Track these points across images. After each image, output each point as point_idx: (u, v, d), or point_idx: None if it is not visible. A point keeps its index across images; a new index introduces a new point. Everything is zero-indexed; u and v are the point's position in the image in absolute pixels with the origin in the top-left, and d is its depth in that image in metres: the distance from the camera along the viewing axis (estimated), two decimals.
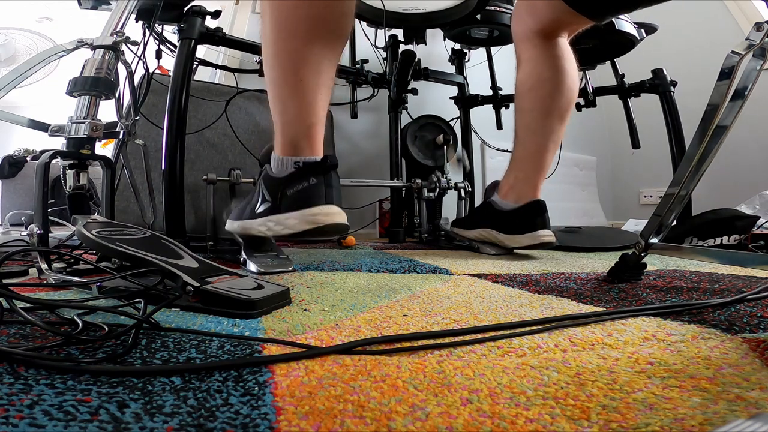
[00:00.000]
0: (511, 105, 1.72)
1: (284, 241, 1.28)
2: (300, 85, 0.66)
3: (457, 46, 1.91)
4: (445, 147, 1.59)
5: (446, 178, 1.56)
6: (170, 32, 1.21)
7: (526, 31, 0.95)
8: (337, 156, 1.82)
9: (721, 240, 1.12)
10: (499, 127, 1.91)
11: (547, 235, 0.95)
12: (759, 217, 1.14)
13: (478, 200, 1.80)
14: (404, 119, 1.75)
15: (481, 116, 1.97)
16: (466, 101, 1.93)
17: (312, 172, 0.65)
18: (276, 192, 0.67)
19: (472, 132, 1.95)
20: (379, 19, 1.45)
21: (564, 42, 0.95)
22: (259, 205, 0.69)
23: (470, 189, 1.63)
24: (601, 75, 1.79)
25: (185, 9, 1.15)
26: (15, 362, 0.28)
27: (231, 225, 0.75)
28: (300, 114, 0.67)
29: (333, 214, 0.64)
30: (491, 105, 1.92)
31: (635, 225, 1.78)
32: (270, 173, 0.69)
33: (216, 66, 1.44)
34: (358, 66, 1.64)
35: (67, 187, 0.74)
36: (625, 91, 1.68)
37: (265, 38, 0.68)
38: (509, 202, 1.01)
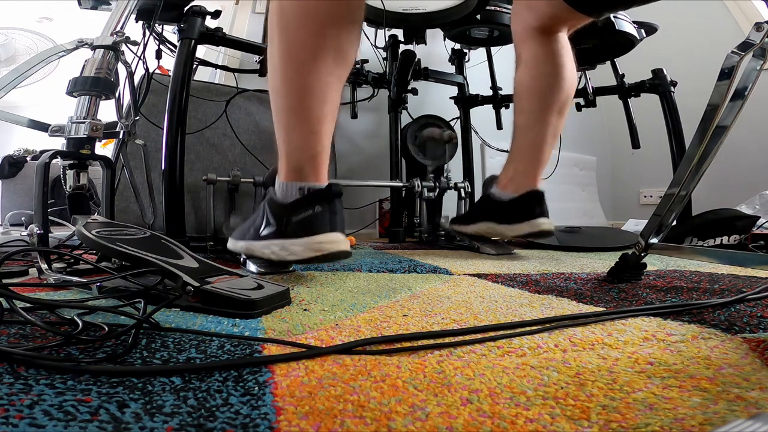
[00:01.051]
0: (512, 105, 1.73)
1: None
2: (306, 115, 0.67)
3: (457, 46, 1.91)
4: (446, 145, 1.58)
5: (446, 177, 1.56)
6: (170, 32, 1.21)
7: (525, 28, 0.96)
8: (337, 156, 1.82)
9: (721, 240, 1.12)
10: (499, 127, 1.91)
11: (545, 222, 0.95)
12: (759, 217, 1.14)
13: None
14: (404, 119, 1.75)
15: (481, 116, 1.97)
16: (466, 101, 1.93)
17: (317, 200, 0.65)
18: (281, 217, 0.67)
19: (472, 132, 1.95)
20: (379, 19, 1.45)
21: (563, 37, 0.95)
22: (264, 228, 0.69)
23: (470, 189, 1.63)
24: (601, 75, 1.79)
25: (185, 9, 1.14)
26: (15, 362, 0.28)
27: (234, 245, 0.75)
28: (305, 142, 0.68)
29: (337, 242, 0.65)
30: (491, 105, 1.91)
31: (635, 225, 1.78)
32: (274, 197, 0.70)
33: (216, 66, 1.43)
34: (358, 66, 1.63)
35: (67, 187, 0.74)
36: (625, 91, 1.68)
37: (273, 65, 0.68)
38: (508, 193, 1.01)
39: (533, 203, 0.97)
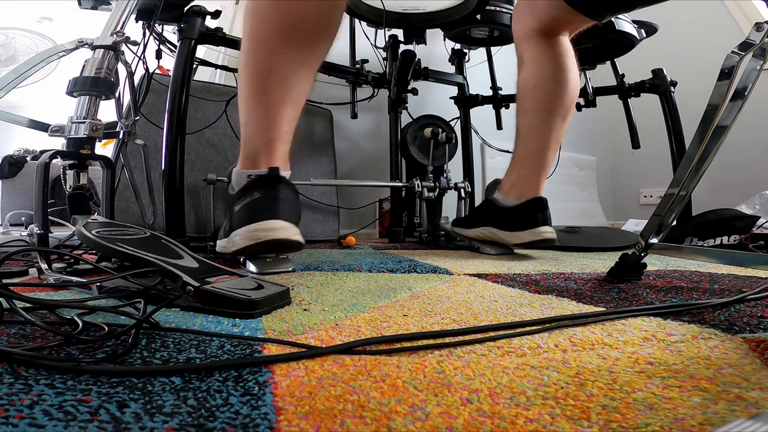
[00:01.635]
0: (512, 105, 1.73)
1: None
2: (264, 98, 0.64)
3: (457, 46, 1.91)
4: (432, 142, 1.57)
5: (446, 177, 1.56)
6: (170, 32, 1.21)
7: (527, 30, 0.95)
8: (337, 156, 1.81)
9: (721, 240, 1.12)
10: (499, 127, 1.91)
11: (548, 231, 0.95)
12: (759, 217, 1.14)
13: (479, 200, 1.80)
14: (404, 119, 1.75)
15: (481, 116, 1.97)
16: (466, 101, 1.93)
17: (256, 186, 0.61)
18: (230, 208, 0.65)
19: (472, 132, 1.95)
20: (379, 19, 1.45)
21: (565, 40, 0.95)
22: (227, 223, 0.68)
23: (470, 189, 1.63)
24: (601, 75, 1.79)
25: (185, 9, 1.15)
26: (15, 362, 0.28)
27: (218, 247, 0.76)
28: (261, 127, 0.65)
29: (276, 229, 0.60)
30: (491, 105, 1.92)
31: (635, 225, 1.78)
32: (230, 190, 0.68)
33: (216, 66, 1.43)
34: (358, 66, 1.63)
35: (67, 187, 0.74)
36: (625, 91, 1.68)
37: (242, 48, 0.66)
38: (511, 199, 1.01)
39: (536, 211, 0.97)
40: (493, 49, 1.90)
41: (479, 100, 1.91)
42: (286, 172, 0.67)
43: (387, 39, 1.67)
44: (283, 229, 0.61)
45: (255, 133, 0.65)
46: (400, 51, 1.57)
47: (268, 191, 0.61)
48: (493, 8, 1.52)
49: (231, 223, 0.64)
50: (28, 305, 0.40)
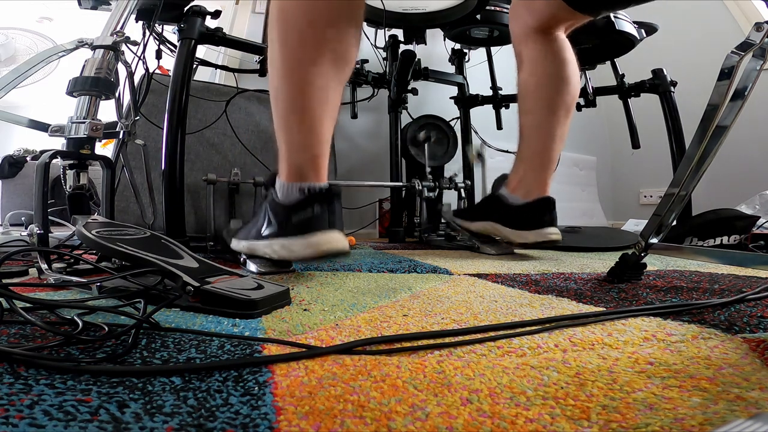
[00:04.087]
0: (512, 105, 1.72)
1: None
2: (306, 115, 0.68)
3: (457, 46, 1.91)
4: (426, 145, 1.57)
5: (453, 181, 1.55)
6: (170, 32, 1.21)
7: (524, 28, 0.96)
8: (337, 156, 1.82)
9: (721, 240, 1.12)
10: (499, 127, 1.91)
11: (554, 233, 0.95)
12: (759, 217, 1.14)
13: (478, 199, 1.80)
14: (404, 119, 1.75)
15: (481, 116, 1.97)
16: (466, 101, 1.93)
17: (317, 200, 0.67)
18: (282, 217, 0.68)
19: (472, 132, 1.95)
20: (379, 19, 1.45)
21: (562, 36, 0.95)
22: (265, 228, 0.71)
23: (470, 188, 1.63)
24: (601, 75, 1.79)
25: (185, 9, 1.14)
26: (15, 362, 0.28)
27: (237, 244, 0.77)
28: (306, 143, 0.69)
29: (335, 240, 0.66)
30: (491, 105, 1.91)
31: (635, 225, 1.78)
32: (276, 198, 0.71)
33: (216, 66, 1.43)
34: (358, 66, 1.63)
35: (67, 187, 0.74)
36: (625, 91, 1.68)
37: (273, 66, 0.69)
38: (518, 196, 1.01)
39: (543, 211, 0.96)
40: (493, 49, 1.90)
41: (479, 100, 1.91)
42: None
43: (387, 39, 1.67)
44: (341, 241, 0.67)
45: (300, 149, 0.69)
46: (400, 51, 1.57)
47: (327, 206, 0.67)
48: (493, 8, 1.52)
49: (283, 230, 0.68)
50: (28, 305, 0.40)
